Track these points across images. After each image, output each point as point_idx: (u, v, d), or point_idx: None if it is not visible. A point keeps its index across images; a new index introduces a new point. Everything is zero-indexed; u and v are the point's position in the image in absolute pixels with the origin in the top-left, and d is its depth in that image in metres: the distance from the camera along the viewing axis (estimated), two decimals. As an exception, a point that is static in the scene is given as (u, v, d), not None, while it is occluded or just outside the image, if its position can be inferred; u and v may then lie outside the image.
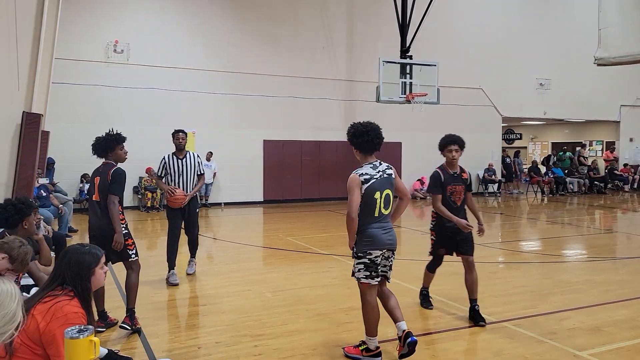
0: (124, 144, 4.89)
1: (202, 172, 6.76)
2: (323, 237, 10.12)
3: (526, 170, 20.75)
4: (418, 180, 17.55)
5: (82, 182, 13.39)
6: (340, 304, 5.57)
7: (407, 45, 14.74)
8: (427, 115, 16.70)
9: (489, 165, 18.92)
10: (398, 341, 4.01)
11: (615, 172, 20.89)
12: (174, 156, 6.65)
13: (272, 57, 15.76)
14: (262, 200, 15.84)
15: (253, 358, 4.12)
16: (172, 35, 14.66)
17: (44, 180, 9.57)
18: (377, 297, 4.07)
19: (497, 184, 19.18)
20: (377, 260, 3.99)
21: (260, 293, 5.99)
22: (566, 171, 20.03)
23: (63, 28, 11.08)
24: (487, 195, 18.92)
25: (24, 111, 6.88)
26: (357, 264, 4.02)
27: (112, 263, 4.85)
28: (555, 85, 19.86)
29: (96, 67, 13.83)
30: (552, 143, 25.31)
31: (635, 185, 20.80)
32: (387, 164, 4.17)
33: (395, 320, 4.06)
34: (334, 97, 16.60)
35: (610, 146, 22.22)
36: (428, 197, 17.46)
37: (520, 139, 26.11)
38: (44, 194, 9.15)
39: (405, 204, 4.28)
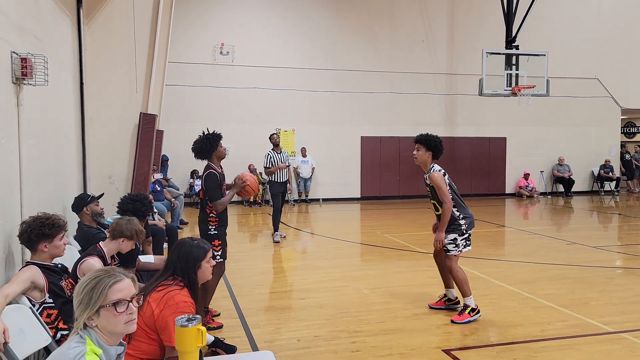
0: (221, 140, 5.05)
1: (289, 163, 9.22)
2: (421, 235, 9.91)
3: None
4: (522, 177, 16.58)
5: (192, 177, 14.35)
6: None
7: (514, 35, 13.92)
8: (534, 108, 15.73)
9: (606, 161, 17.35)
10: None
11: None
12: (273, 152, 8.99)
13: (370, 53, 15.72)
14: (360, 196, 15.89)
15: (350, 354, 4.15)
16: (272, 36, 15.17)
17: (158, 176, 10.37)
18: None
19: (615, 182, 17.54)
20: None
21: (357, 289, 6.02)
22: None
23: (174, 33, 11.93)
24: (603, 194, 17.39)
25: (140, 112, 7.50)
26: (462, 239, 4.95)
27: None
28: (686, 72, 17.69)
29: (204, 69, 14.71)
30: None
31: None
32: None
33: (447, 287, 5.27)
34: (434, 91, 16.18)
35: None
36: (536, 196, 16.43)
37: (644, 132, 23.60)
38: (159, 189, 9.92)
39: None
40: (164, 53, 9.29)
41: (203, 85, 14.65)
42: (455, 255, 4.95)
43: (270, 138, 9.23)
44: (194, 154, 4.93)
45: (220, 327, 4.73)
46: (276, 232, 9.08)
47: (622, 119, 19.05)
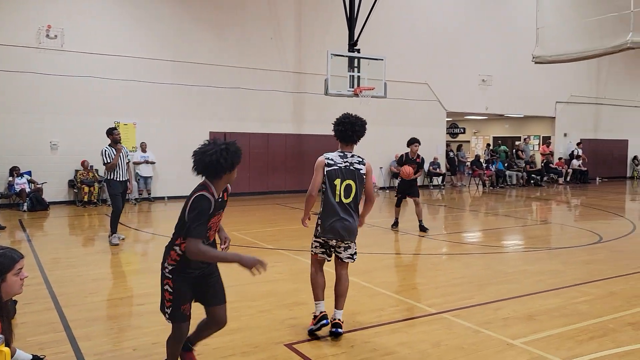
0: None
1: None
2: (271, 231, 10.02)
3: (469, 163, 21.40)
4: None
5: (11, 175, 12.60)
6: (284, 299, 5.50)
7: (355, 38, 14.79)
8: (374, 109, 16.87)
9: (434, 158, 19.36)
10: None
11: (551, 165, 21.91)
12: (110, 147, 8.31)
13: (219, 47, 15.41)
14: (208, 193, 15.49)
15: (191, 358, 3.98)
16: (107, 22, 14.01)
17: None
18: (336, 278, 4.48)
19: (441, 177, 19.67)
20: (330, 242, 4.39)
21: (201, 290, 5.82)
22: (506, 164, 20.82)
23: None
24: (432, 188, 19.37)
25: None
26: (314, 240, 4.48)
27: None
28: (496, 82, 20.54)
29: (26, 53, 13.02)
30: (494, 137, 26.22)
31: (569, 179, 21.90)
32: (361, 159, 4.46)
33: (335, 307, 4.44)
34: (282, 89, 16.44)
35: (546, 141, 23.28)
36: (376, 190, 17.68)
37: (464, 133, 26.90)
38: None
39: (369, 207, 4.64)
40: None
41: (24, 71, 12.96)
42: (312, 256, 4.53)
43: (110, 134, 8.41)
44: (195, 166, 3.25)
45: None
46: (114, 235, 8.42)
47: (447, 120, 21.44)
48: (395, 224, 10.08)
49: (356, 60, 14.33)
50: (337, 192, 4.31)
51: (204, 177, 3.27)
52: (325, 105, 16.74)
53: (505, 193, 18.35)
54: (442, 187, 19.57)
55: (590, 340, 4.33)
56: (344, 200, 4.33)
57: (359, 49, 14.66)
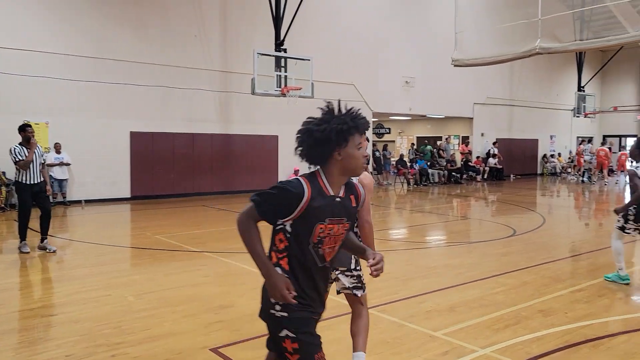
0: None
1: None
2: (196, 233, 9.75)
3: (394, 162, 22.01)
4: (293, 172, 17.71)
5: None
6: (209, 303, 5.36)
7: (282, 38, 14.76)
8: (302, 109, 16.88)
9: (361, 158, 19.70)
10: None
11: (470, 164, 23.05)
12: (21, 146, 7.52)
13: (139, 44, 14.77)
14: (130, 196, 14.84)
15: (108, 370, 3.77)
16: (20, 13, 13.03)
17: None
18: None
19: (368, 176, 20.06)
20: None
21: (121, 297, 5.55)
22: (429, 163, 21.64)
23: None
24: (359, 186, 19.70)
25: None
26: None
27: None
28: (419, 84, 21.29)
29: None
30: (417, 137, 27.18)
31: (486, 176, 23.15)
32: None
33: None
34: (208, 88, 16.06)
35: (465, 140, 24.46)
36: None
37: (389, 133, 27.67)
38: None
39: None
40: None
41: None
42: None
43: (22, 130, 7.60)
44: (300, 148, 2.35)
45: None
46: (23, 242, 7.81)
47: (373, 121, 21.94)
48: None
49: (283, 60, 14.30)
50: None
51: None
52: (253, 104, 16.59)
53: (428, 191, 19.06)
54: (369, 186, 19.97)
55: (505, 328, 4.57)
56: None
57: (285, 49, 14.64)
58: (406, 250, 8.27)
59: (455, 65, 17.53)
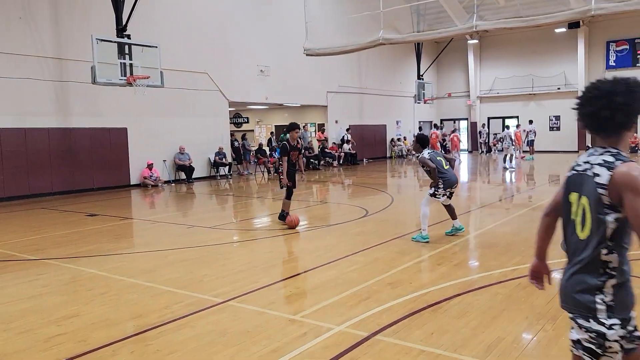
0: None
1: None
2: (33, 239, 8.70)
3: (253, 152, 22.00)
4: (147, 167, 16.75)
5: None
6: (50, 315, 4.83)
7: (124, 23, 13.71)
8: (153, 99, 16.01)
9: (219, 148, 19.35)
10: None
11: (326, 150, 23.94)
12: None
13: (-52, 25, 12.66)
14: (-51, 203, 12.75)
15: None
16: None
17: None
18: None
19: (227, 167, 19.80)
20: None
21: None
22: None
23: None
24: (219, 178, 19.36)
25: None
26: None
27: None
28: (274, 73, 21.42)
29: None
30: (275, 126, 27.46)
31: (341, 161, 24.27)
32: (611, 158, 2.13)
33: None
34: (40, 77, 14.35)
35: (321, 128, 25.32)
36: (161, 185, 16.85)
37: (248, 122, 27.53)
38: None
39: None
40: None
41: None
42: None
43: None
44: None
45: None
46: None
47: (230, 110, 21.61)
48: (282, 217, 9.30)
49: (127, 46, 13.32)
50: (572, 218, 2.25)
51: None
52: (96, 95, 15.27)
53: (288, 178, 19.36)
54: (229, 176, 19.72)
55: (358, 304, 4.81)
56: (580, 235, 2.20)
57: (129, 35, 13.64)
58: (267, 238, 8.30)
59: (307, 55, 18.01)
